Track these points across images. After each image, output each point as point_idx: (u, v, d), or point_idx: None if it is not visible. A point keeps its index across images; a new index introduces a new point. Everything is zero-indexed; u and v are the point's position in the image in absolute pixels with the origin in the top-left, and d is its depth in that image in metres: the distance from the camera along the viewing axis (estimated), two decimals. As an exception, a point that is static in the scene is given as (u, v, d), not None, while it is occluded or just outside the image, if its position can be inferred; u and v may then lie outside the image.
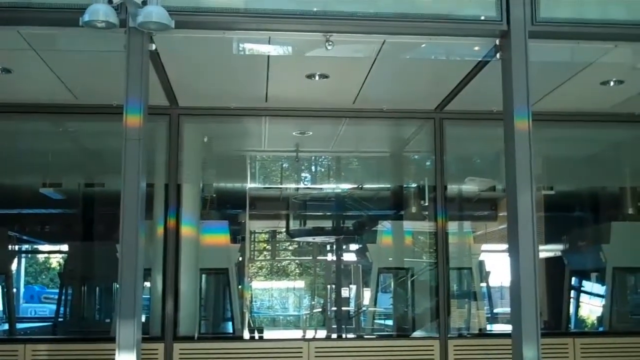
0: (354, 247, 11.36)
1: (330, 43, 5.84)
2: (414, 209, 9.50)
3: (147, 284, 7.94)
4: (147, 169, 5.47)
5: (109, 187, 9.37)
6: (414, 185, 9.78)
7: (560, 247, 10.15)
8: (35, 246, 12.69)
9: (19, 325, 10.41)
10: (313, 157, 11.07)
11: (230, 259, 9.10)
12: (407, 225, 9.64)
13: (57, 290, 11.18)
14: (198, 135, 8.71)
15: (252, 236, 12.44)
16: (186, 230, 8.02)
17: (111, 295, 9.83)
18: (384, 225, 10.17)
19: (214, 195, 9.58)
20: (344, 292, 10.71)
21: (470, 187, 9.74)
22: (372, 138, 9.49)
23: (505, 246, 5.88)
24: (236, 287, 9.11)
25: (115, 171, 5.50)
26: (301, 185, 11.22)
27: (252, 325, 9.77)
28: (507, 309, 6.94)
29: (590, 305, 9.69)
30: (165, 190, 8.02)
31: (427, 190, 8.77)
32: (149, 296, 7.95)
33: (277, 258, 13.94)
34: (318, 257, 12.53)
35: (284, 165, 11.27)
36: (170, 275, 7.83)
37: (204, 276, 8.86)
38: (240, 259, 9.55)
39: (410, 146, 9.44)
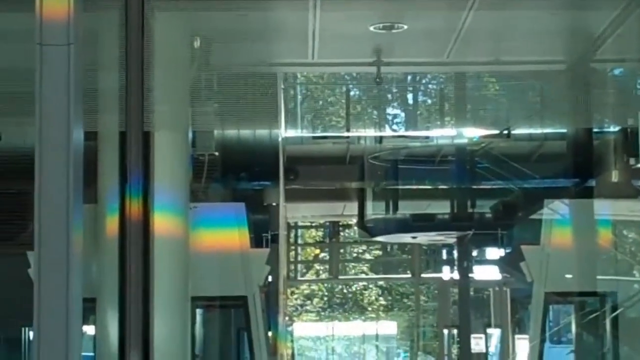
0: (494, 252, 11.42)
1: None
2: (614, 176, 9.50)
3: (90, 328, 8.11)
4: (85, 104, 5.58)
5: (10, 141, 9.57)
6: (613, 128, 9.77)
7: None
8: None
9: None
10: (409, 77, 11.12)
11: (250, 279, 9.23)
12: (602, 207, 9.66)
13: None
14: (182, 36, 8.82)
15: (293, 233, 12.59)
16: (163, 223, 8.16)
17: (19, 349, 10.06)
18: (554, 209, 10.20)
19: (216, 154, 9.72)
20: (476, 344, 10.82)
21: None
22: (526, 36, 9.50)
23: None
24: (262, 331, 9.25)
25: (22, 110, 5.63)
26: (387, 132, 11.30)
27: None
28: None
29: None
30: (120, 145, 8.15)
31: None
32: (93, 354, 8.12)
33: (341, 277, 14.09)
34: (423, 275, 12.64)
35: (352, 93, 11.35)
36: (135, 312, 7.99)
37: (199, 312, 9.01)
38: (270, 278, 9.68)
39: (604, 51, 9.42)
